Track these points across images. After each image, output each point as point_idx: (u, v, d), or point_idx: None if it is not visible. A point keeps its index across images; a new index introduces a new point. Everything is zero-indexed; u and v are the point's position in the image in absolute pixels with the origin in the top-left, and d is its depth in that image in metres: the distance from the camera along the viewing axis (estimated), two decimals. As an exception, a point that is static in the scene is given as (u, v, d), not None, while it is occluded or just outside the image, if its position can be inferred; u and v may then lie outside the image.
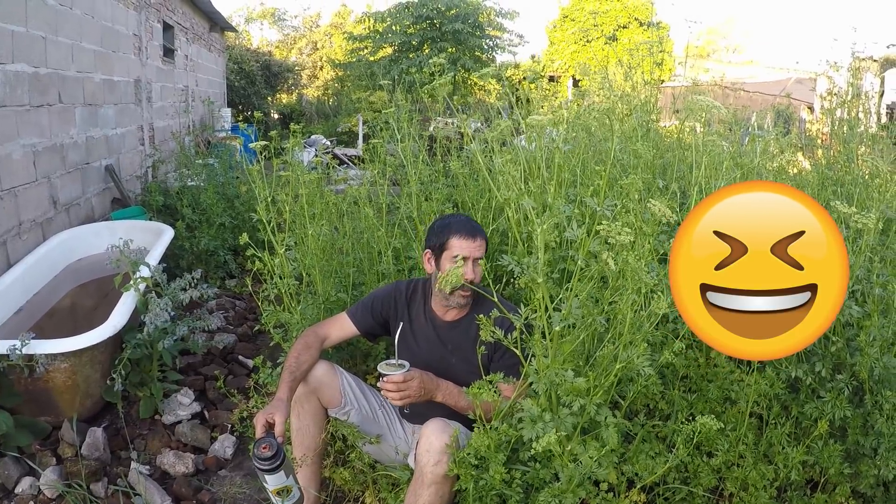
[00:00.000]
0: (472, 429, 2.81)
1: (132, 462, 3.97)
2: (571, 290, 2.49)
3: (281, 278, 3.83)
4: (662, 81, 26.75)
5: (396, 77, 16.62)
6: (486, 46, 18.92)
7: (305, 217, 4.08)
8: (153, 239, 6.16)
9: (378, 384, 3.11)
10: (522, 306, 2.58)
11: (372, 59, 19.99)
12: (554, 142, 2.83)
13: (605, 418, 2.53)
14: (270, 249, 3.79)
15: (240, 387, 4.84)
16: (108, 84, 8.30)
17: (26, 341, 3.78)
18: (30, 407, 4.08)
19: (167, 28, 11.95)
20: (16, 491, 3.70)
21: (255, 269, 3.77)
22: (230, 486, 3.96)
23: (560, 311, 2.49)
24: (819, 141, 5.60)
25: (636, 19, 30.33)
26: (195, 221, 7.33)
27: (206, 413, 4.60)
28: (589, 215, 2.42)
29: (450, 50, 18.20)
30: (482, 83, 19.05)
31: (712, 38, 42.37)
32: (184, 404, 4.52)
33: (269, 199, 3.71)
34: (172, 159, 10.58)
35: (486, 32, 18.85)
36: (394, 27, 18.68)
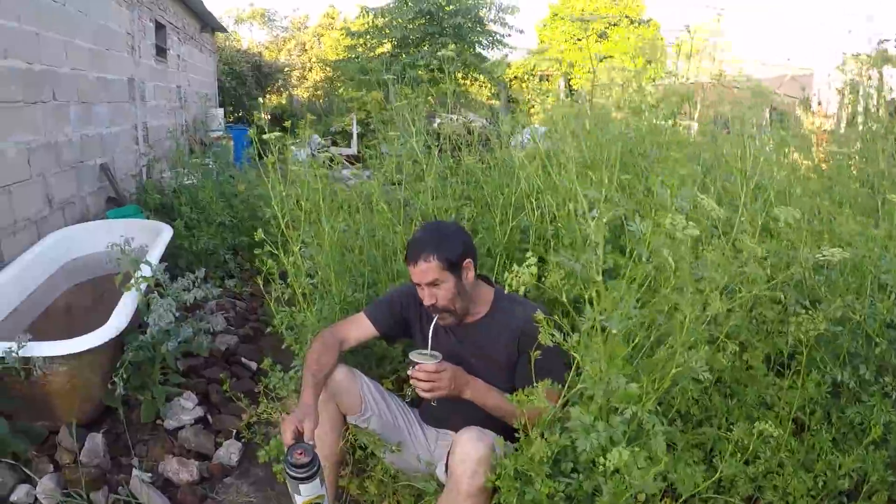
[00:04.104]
0: (505, 437, 2.69)
1: (134, 469, 3.79)
2: (629, 289, 2.33)
3: (296, 277, 3.66)
4: (654, 80, 26.66)
5: (398, 73, 16.17)
6: (485, 42, 18.50)
7: (322, 213, 3.90)
8: (152, 238, 5.99)
9: (409, 372, 2.93)
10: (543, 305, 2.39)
11: (371, 55, 19.53)
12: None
13: (654, 426, 2.36)
14: (283, 247, 3.64)
15: (244, 390, 4.67)
16: (102, 82, 8.12)
17: (23, 343, 3.59)
18: (26, 411, 3.89)
19: (159, 27, 11.77)
20: (11, 499, 3.51)
21: (266, 269, 3.61)
22: (237, 494, 3.81)
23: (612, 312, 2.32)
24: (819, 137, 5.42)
25: (627, 17, 30.23)
26: (194, 220, 7.15)
27: (209, 417, 4.43)
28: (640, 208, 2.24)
29: (450, 46, 17.86)
30: (477, 80, 18.84)
31: (699, 36, 42.30)
32: (187, 409, 4.34)
33: (284, 195, 3.55)
34: (167, 158, 10.40)
35: (486, 28, 18.44)
36: (394, 22, 18.31)
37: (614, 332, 2.31)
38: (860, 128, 5.07)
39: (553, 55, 31.43)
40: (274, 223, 3.61)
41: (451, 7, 17.47)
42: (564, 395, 2.56)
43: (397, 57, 17.81)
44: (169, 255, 5.87)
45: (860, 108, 5.09)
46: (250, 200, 7.91)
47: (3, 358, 3.56)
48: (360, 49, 20.19)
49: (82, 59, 7.40)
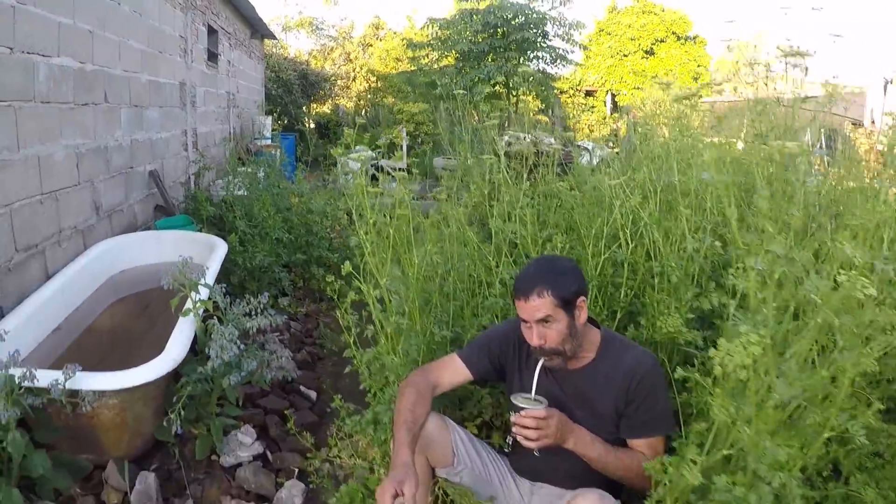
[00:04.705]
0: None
1: (188, 513, 3.41)
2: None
3: (384, 315, 3.28)
4: (701, 97, 26.44)
5: (467, 87, 15.19)
6: (549, 58, 17.67)
7: (411, 242, 3.49)
8: (204, 253, 5.63)
9: (512, 419, 2.61)
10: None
11: (435, 67, 18.97)
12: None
13: (791, 490, 2.02)
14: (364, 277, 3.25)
15: (305, 423, 4.31)
16: (154, 85, 7.80)
17: (70, 374, 3.21)
18: (69, 443, 3.52)
19: (211, 32, 11.49)
20: (53, 544, 3.16)
21: (346, 302, 3.22)
22: (301, 543, 3.43)
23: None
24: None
25: (674, 33, 30.02)
26: (248, 235, 6.78)
27: (268, 454, 4.03)
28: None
29: (513, 61, 17.01)
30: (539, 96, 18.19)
31: (740, 52, 42.21)
32: (244, 444, 3.95)
33: (371, 223, 3.16)
34: (215, 166, 10.05)
35: (550, 43, 17.63)
36: (462, 35, 17.39)
37: (777, 396, 1.97)
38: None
39: (598, 71, 31.13)
40: (357, 252, 3.22)
41: (517, 20, 16.64)
42: (704, 460, 2.18)
43: (461, 70, 16.97)
44: (221, 271, 5.51)
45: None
46: (305, 214, 7.53)
47: (47, 389, 3.18)
48: (423, 61, 19.56)
49: (135, 60, 7.08)
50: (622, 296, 3.73)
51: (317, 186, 9.27)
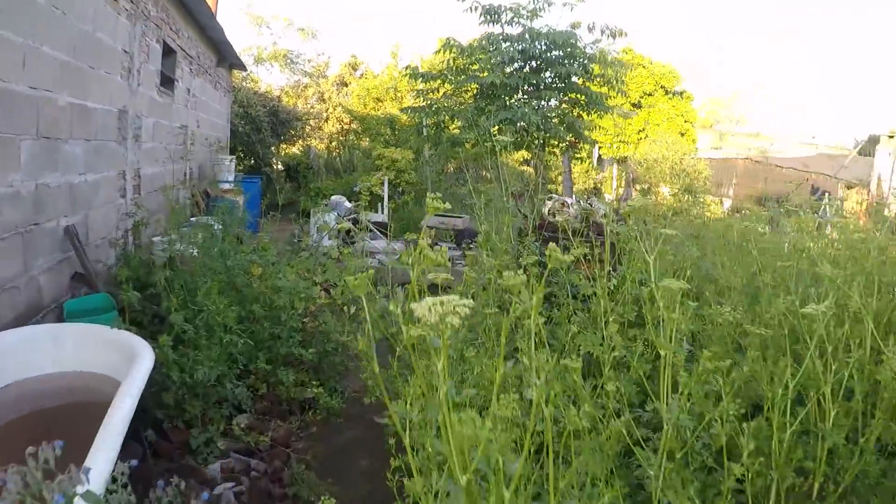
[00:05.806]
0: None
1: None
2: None
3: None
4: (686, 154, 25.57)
5: (489, 131, 12.43)
6: (583, 101, 15.16)
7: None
8: (119, 363, 3.72)
9: None
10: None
11: (448, 104, 15.95)
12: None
13: None
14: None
15: None
16: (80, 111, 5.89)
17: None
18: None
19: (168, 52, 9.65)
20: None
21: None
22: None
23: None
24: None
25: (662, 87, 29.24)
26: (189, 333, 4.75)
27: None
28: None
29: (547, 101, 14.46)
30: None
31: (714, 109, 42.78)
32: None
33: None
34: (164, 217, 8.04)
35: (594, 83, 15.12)
36: (487, 63, 14.46)
37: None
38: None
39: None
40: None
41: (554, 53, 14.11)
42: None
43: (483, 109, 14.33)
44: (152, 383, 3.55)
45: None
46: (270, 295, 5.47)
47: None
48: (434, 95, 16.60)
49: (50, 75, 5.20)
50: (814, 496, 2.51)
51: (286, 250, 7.33)
